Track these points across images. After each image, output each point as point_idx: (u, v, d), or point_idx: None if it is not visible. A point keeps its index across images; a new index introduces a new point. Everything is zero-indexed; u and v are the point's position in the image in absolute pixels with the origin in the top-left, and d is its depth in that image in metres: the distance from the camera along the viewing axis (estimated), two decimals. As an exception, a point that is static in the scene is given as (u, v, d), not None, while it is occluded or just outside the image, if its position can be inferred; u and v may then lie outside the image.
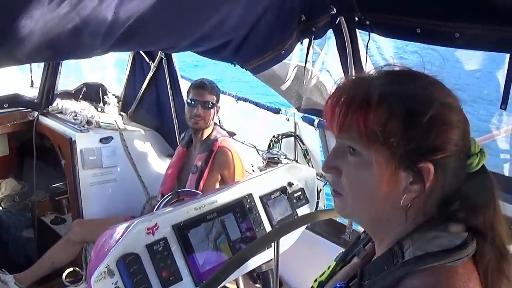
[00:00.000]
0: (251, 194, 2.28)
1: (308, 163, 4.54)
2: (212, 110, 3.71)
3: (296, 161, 4.56)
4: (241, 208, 2.22)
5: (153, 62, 4.57)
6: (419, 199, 1.05)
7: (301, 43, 3.26)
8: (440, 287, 0.98)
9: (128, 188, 4.38)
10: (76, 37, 2.11)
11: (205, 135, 3.76)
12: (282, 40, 3.18)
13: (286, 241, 2.22)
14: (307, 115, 4.20)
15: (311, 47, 3.27)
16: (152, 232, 1.89)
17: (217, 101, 3.75)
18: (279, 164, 3.91)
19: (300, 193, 2.48)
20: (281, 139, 4.66)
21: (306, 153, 4.57)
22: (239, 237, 2.17)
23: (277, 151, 4.40)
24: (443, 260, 0.99)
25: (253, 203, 2.27)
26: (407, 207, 1.05)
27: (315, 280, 1.38)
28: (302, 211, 2.46)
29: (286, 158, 4.22)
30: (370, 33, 2.88)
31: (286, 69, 3.74)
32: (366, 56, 3.06)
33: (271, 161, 4.14)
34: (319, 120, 4.12)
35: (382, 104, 1.02)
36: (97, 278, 1.72)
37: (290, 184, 2.45)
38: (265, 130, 4.86)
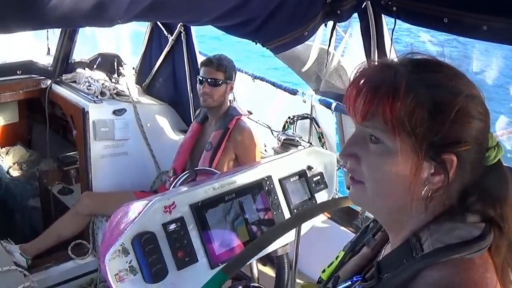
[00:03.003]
0: (270, 176, 2.23)
1: (322, 146, 4.50)
2: (220, 88, 3.62)
3: (311, 143, 4.51)
4: (260, 190, 2.17)
5: (171, 35, 4.48)
6: (441, 190, 1.03)
7: (325, 25, 3.19)
8: (459, 278, 0.97)
9: (139, 162, 4.33)
10: (102, 4, 2.06)
11: (221, 112, 3.69)
12: (306, 21, 3.11)
13: (303, 226, 2.17)
14: (324, 98, 4.13)
15: (335, 30, 3.20)
16: (169, 211, 1.84)
17: (228, 78, 3.65)
18: (299, 147, 3.86)
19: (319, 177, 2.43)
20: (297, 121, 4.61)
21: (321, 136, 4.52)
22: (256, 220, 2.12)
23: (292, 133, 4.35)
24: (463, 252, 0.99)
25: (272, 186, 2.21)
26: (427, 199, 1.04)
27: (323, 271, 1.37)
28: (320, 195, 2.41)
29: (301, 140, 4.17)
30: (396, 19, 2.80)
31: (307, 51, 3.68)
32: (391, 43, 2.99)
33: (287, 143, 4.09)
34: (337, 103, 4.06)
35: (409, 93, 1.00)
36: (112, 256, 1.67)
37: (309, 168, 2.39)
38: (280, 110, 4.80)
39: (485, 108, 1.06)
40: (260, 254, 2.01)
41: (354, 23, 3.18)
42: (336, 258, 1.36)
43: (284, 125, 4.61)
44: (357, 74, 1.08)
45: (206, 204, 1.96)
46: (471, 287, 0.97)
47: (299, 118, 4.59)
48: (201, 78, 3.62)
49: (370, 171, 1.06)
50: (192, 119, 4.33)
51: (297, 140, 4.13)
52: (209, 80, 3.58)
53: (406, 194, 1.04)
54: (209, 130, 3.76)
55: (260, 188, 2.17)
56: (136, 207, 1.85)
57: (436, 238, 1.02)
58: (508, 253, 1.05)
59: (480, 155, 1.05)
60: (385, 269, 1.07)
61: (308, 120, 4.57)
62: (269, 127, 4.72)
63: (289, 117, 4.61)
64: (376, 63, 1.11)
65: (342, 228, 3.67)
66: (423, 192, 1.03)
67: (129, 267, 1.72)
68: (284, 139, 4.10)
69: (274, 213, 2.19)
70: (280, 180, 2.26)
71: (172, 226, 1.83)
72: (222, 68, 3.61)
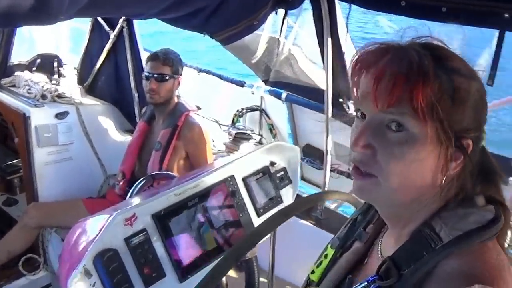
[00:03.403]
0: (233, 175, 2.11)
1: (274, 138, 4.43)
2: (167, 83, 3.46)
3: (262, 136, 4.43)
4: (223, 192, 2.05)
5: (113, 31, 4.31)
6: (457, 176, 1.01)
7: (276, 13, 3.09)
8: (479, 264, 0.95)
9: (84, 166, 4.15)
10: (42, 2, 1.90)
11: (169, 109, 3.54)
12: (255, 9, 3.01)
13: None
14: (274, 88, 4.05)
15: (286, 18, 3.10)
16: (130, 223, 1.69)
17: (175, 72, 3.50)
18: (251, 140, 3.78)
19: (282, 172, 2.33)
20: (246, 113, 4.52)
21: (272, 128, 4.45)
22: (222, 224, 2.00)
23: (243, 126, 4.26)
24: (483, 237, 0.97)
25: (236, 186, 2.10)
26: (445, 187, 1.01)
27: (312, 272, 1.28)
28: (285, 191, 2.32)
29: (254, 133, 4.08)
30: (351, 4, 2.72)
31: (256, 40, 3.57)
32: (347, 29, 2.91)
33: (238, 137, 3.99)
34: (287, 93, 3.98)
35: (437, 77, 0.95)
36: (74, 281, 1.51)
37: (272, 164, 2.29)
38: (228, 104, 4.70)
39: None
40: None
41: (306, 11, 3.08)
42: (325, 257, 1.27)
43: (233, 119, 4.52)
44: (364, 57, 1.01)
45: (169, 212, 1.83)
46: (491, 271, 0.94)
47: (248, 110, 4.51)
48: (147, 74, 3.46)
49: (390, 163, 0.98)
50: (137, 118, 4.19)
51: (249, 134, 4.04)
52: (155, 75, 3.42)
53: (428, 184, 1.00)
54: (156, 128, 3.61)
55: (223, 189, 2.05)
56: (94, 223, 1.69)
57: (452, 226, 0.99)
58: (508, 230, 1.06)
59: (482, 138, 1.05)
60: (404, 264, 1.00)
61: (257, 112, 4.50)
62: (217, 122, 4.62)
63: (237, 110, 4.52)
64: (382, 45, 1.02)
65: (302, 221, 3.60)
66: (443, 180, 1.00)
67: (93, 289, 1.57)
68: (235, 133, 4.00)
69: (240, 215, 2.07)
70: (243, 179, 2.15)
71: (135, 240, 1.69)
72: (169, 63, 3.46)
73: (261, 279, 3.43)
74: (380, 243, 1.18)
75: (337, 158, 4.10)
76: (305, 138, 4.42)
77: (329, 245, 1.29)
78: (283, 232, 2.52)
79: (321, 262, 1.28)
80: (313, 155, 4.28)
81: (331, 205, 3.77)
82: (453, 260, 0.95)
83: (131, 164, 3.66)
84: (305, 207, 1.80)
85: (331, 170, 3.57)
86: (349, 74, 1.04)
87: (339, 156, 4.17)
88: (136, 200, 1.92)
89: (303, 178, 4.62)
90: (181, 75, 3.53)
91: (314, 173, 4.36)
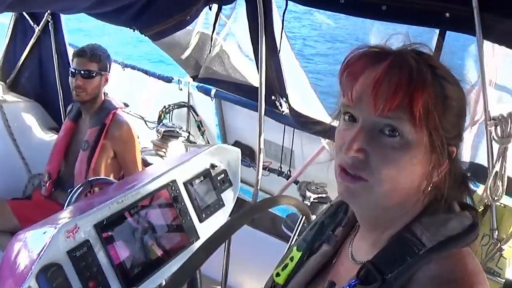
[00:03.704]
0: (174, 180, 2.03)
1: (202, 135, 4.37)
2: (94, 80, 3.36)
3: (189, 133, 4.36)
4: (166, 198, 1.96)
5: (38, 25, 4.15)
6: (439, 182, 1.03)
7: (210, 8, 3.02)
8: (459, 269, 0.98)
9: (8, 166, 4.05)
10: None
11: (96, 106, 3.42)
12: (187, 4, 2.96)
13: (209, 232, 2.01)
14: (203, 84, 3.99)
15: (219, 13, 3.04)
16: (72, 235, 1.58)
17: (103, 69, 3.40)
18: (180, 138, 3.70)
19: (223, 175, 2.27)
20: (173, 110, 4.46)
21: (200, 125, 4.40)
22: (166, 231, 1.92)
23: (172, 124, 4.18)
24: (464, 242, 1.01)
25: (178, 191, 2.02)
26: (427, 191, 1.04)
27: (277, 275, 1.29)
28: (226, 195, 2.27)
29: (182, 130, 4.01)
30: (287, 1, 2.69)
31: (187, 36, 3.51)
32: (282, 27, 2.88)
33: (167, 134, 3.91)
34: (217, 90, 3.94)
35: (433, 83, 0.98)
36: (18, 302, 1.40)
37: (213, 166, 2.23)
38: (154, 100, 4.62)
39: None
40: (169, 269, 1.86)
41: (240, 6, 3.03)
42: (291, 259, 1.28)
43: (160, 115, 4.45)
44: (359, 60, 1.02)
45: (112, 222, 1.73)
46: (470, 276, 0.97)
47: (176, 107, 4.46)
48: (73, 70, 3.34)
49: (383, 167, 0.99)
50: (62, 116, 4.07)
51: (177, 131, 3.96)
52: (82, 72, 3.31)
53: (415, 190, 1.03)
54: (83, 127, 3.50)
55: (165, 195, 1.97)
56: (35, 237, 1.58)
57: (434, 232, 1.01)
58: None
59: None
60: (387, 268, 1.01)
61: (185, 109, 4.43)
62: (143, 118, 4.51)
63: (164, 107, 4.45)
64: (377, 50, 1.04)
65: (248, 226, 3.57)
66: (429, 186, 1.03)
67: (39, 307, 1.46)
68: (163, 131, 3.92)
69: (183, 221, 2.00)
70: (185, 184, 2.08)
71: (78, 253, 1.58)
72: (96, 59, 3.34)
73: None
74: (350, 246, 1.19)
75: (267, 156, 4.09)
76: (234, 135, 4.40)
77: (295, 248, 1.29)
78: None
79: (286, 265, 1.28)
80: (242, 152, 4.24)
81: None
82: (433, 265, 0.97)
83: (58, 164, 3.54)
84: (256, 214, 1.76)
85: (262, 168, 3.55)
86: (341, 77, 1.04)
87: (270, 153, 4.17)
88: (76, 210, 1.82)
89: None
90: (109, 72, 3.42)
91: (244, 170, 4.33)
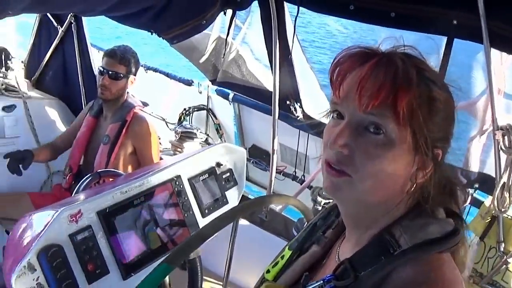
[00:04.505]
0: (179, 175, 2.11)
1: (220, 138, 4.45)
2: (120, 82, 3.44)
3: (208, 135, 4.44)
4: (169, 192, 2.04)
5: (61, 27, 4.28)
6: (423, 185, 1.03)
7: (225, 13, 3.10)
8: (434, 275, 0.96)
9: (29, 161, 4.10)
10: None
11: (118, 105, 3.51)
12: (204, 9, 3.03)
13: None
14: (221, 88, 4.07)
15: (234, 18, 3.12)
16: (75, 220, 1.68)
17: (130, 72, 3.47)
18: (195, 140, 3.77)
19: (228, 174, 2.34)
20: (192, 112, 4.54)
21: (218, 128, 4.47)
22: (167, 223, 2.00)
23: (190, 125, 4.26)
24: (441, 248, 0.99)
25: (182, 186, 2.10)
26: (412, 193, 1.04)
27: (267, 271, 1.29)
28: (231, 193, 2.33)
29: (200, 132, 4.09)
30: (299, 6, 2.75)
31: (205, 40, 3.59)
32: (294, 31, 2.94)
33: (184, 135, 4.00)
34: (234, 94, 4.01)
35: (418, 85, 0.98)
36: (18, 274, 1.50)
37: (218, 165, 2.29)
38: (175, 102, 4.70)
39: None
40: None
41: (255, 12, 3.10)
42: (282, 257, 1.29)
43: (180, 117, 4.53)
44: (348, 58, 1.03)
45: (114, 210, 1.82)
46: (446, 284, 0.96)
47: (195, 109, 4.53)
48: (101, 69, 3.42)
49: (366, 164, 1.00)
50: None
51: (194, 133, 4.04)
52: (110, 72, 3.39)
53: (397, 190, 1.03)
54: (104, 123, 3.59)
55: (169, 189, 2.05)
56: (40, 218, 1.68)
57: (412, 234, 1.00)
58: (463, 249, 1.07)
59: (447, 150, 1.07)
60: (361, 266, 1.01)
61: (204, 112, 4.51)
62: (164, 120, 4.60)
63: (184, 109, 4.53)
64: (366, 50, 1.04)
65: (246, 223, 3.63)
66: (412, 187, 1.03)
67: (36, 284, 1.55)
68: (181, 132, 4.00)
69: (185, 215, 2.07)
70: (189, 180, 2.15)
71: (80, 237, 1.67)
72: (125, 62, 3.43)
73: (209, 280, 3.47)
74: (338, 248, 1.19)
75: (282, 160, 4.14)
76: (251, 139, 4.45)
77: (287, 247, 1.31)
78: (226, 233, 2.55)
79: (277, 262, 1.29)
80: (259, 156, 4.33)
81: (276, 207, 3.81)
82: (409, 268, 0.96)
83: (78, 158, 3.63)
84: (252, 210, 1.83)
85: (277, 172, 3.60)
86: (331, 75, 1.05)
87: (285, 158, 4.22)
88: (81, 197, 1.91)
89: (248, 179, 4.65)
90: (135, 75, 3.52)
91: (260, 174, 4.40)
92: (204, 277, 2.08)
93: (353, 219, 1.13)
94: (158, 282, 1.42)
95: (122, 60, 3.41)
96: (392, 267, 0.97)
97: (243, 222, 3.60)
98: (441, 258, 0.99)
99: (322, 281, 1.07)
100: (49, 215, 1.64)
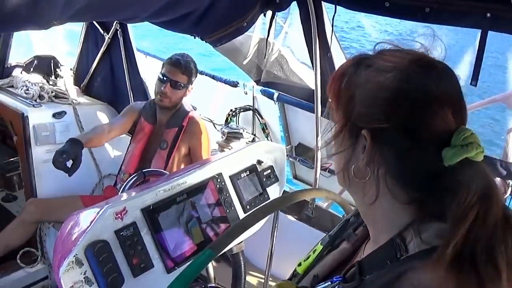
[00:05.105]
0: (221, 173, 2.17)
1: (267, 138, 4.50)
2: (180, 91, 3.55)
3: (255, 135, 4.50)
4: (211, 189, 2.11)
5: (108, 34, 4.41)
6: (362, 169, 1.03)
7: (264, 15, 3.17)
8: (445, 280, 0.89)
9: (81, 165, 4.22)
10: (34, 7, 1.96)
11: (173, 111, 3.63)
12: (244, 11, 3.09)
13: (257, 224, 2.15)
14: (266, 88, 4.13)
15: (274, 19, 3.18)
16: (120, 217, 1.77)
17: (190, 82, 3.58)
18: (242, 140, 3.83)
19: (269, 171, 2.39)
20: (239, 113, 4.60)
21: (264, 127, 4.52)
22: (210, 219, 2.07)
23: (236, 126, 4.33)
24: None
25: (223, 183, 2.17)
26: (358, 178, 1.04)
27: (299, 264, 1.32)
28: (272, 189, 2.38)
29: (246, 132, 4.15)
30: (337, 5, 2.79)
31: (247, 42, 3.66)
32: (332, 30, 2.98)
33: (231, 136, 4.07)
34: (279, 93, 4.06)
35: (343, 76, 1.06)
36: (66, 268, 1.59)
37: (259, 162, 2.35)
38: (222, 103, 4.78)
39: (413, 85, 0.99)
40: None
41: (294, 12, 3.15)
42: (313, 252, 1.31)
43: (227, 118, 4.60)
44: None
45: (158, 207, 1.90)
46: None
47: (242, 110, 4.59)
48: (163, 77, 3.52)
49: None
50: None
51: (241, 133, 4.11)
52: (172, 81, 3.49)
53: (347, 175, 1.06)
54: (160, 128, 3.69)
55: (211, 186, 2.12)
56: (86, 216, 1.77)
57: (422, 239, 0.96)
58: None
59: (428, 147, 0.97)
60: (368, 270, 1.01)
61: (251, 112, 4.57)
62: (212, 121, 4.69)
63: (231, 110, 4.60)
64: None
65: (291, 218, 3.68)
66: (352, 170, 1.04)
67: (84, 278, 1.64)
68: (228, 133, 4.08)
69: (227, 210, 2.14)
70: (231, 177, 2.22)
71: (125, 233, 1.76)
72: (188, 72, 3.53)
73: (253, 274, 3.54)
74: (364, 247, 1.19)
75: (327, 157, 4.17)
76: (297, 137, 4.49)
77: (320, 242, 1.32)
78: (270, 228, 2.62)
79: (308, 256, 1.31)
80: (305, 154, 4.36)
81: (322, 204, 3.85)
82: (422, 274, 0.90)
83: (136, 163, 3.71)
84: (292, 202, 1.87)
85: (322, 169, 3.64)
86: None
87: (329, 155, 4.24)
88: (126, 195, 2.00)
89: (296, 177, 4.71)
90: (192, 84, 3.62)
91: (306, 172, 4.44)
92: (248, 271, 2.14)
93: (364, 220, 1.15)
94: (203, 267, 1.50)
95: (186, 71, 3.51)
96: (398, 271, 0.93)
97: (289, 218, 3.67)
98: None
99: (330, 282, 1.10)
100: (95, 213, 1.74)
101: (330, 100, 1.08)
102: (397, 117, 0.97)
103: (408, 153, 0.98)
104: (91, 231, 1.67)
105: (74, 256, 1.62)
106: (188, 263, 1.91)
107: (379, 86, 0.99)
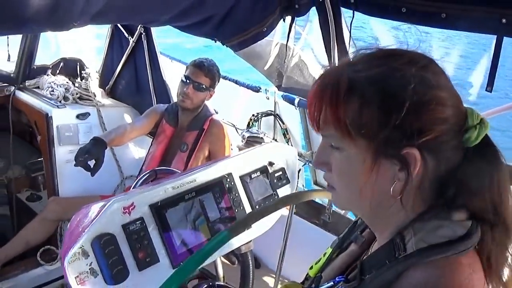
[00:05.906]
0: (231, 173, 2.21)
1: (287, 143, 4.52)
2: (203, 94, 3.62)
3: (276, 140, 4.53)
4: (220, 188, 2.15)
5: (132, 37, 4.49)
6: (411, 186, 0.99)
7: (284, 20, 3.20)
8: (445, 280, 0.93)
9: (104, 166, 4.29)
10: (55, 8, 2.02)
11: (195, 114, 3.69)
12: (264, 16, 3.12)
13: (264, 223, 2.18)
14: (287, 93, 4.16)
15: (293, 24, 3.21)
16: (128, 212, 1.82)
17: (212, 85, 3.66)
18: (262, 143, 3.87)
19: (280, 172, 2.42)
20: (261, 118, 4.63)
21: (285, 133, 4.55)
22: (218, 218, 2.10)
23: (257, 130, 4.36)
24: (447, 253, 0.94)
25: (233, 183, 2.20)
26: (400, 196, 1.00)
27: (311, 268, 1.34)
28: (283, 191, 2.40)
29: (266, 137, 4.18)
30: (354, 11, 2.81)
31: (268, 47, 3.69)
32: (350, 36, 3.00)
33: (251, 140, 4.10)
34: (300, 99, 4.08)
35: (353, 93, 0.97)
36: (71, 259, 1.64)
37: (271, 164, 2.38)
38: (244, 108, 4.81)
39: (448, 90, 1.00)
40: (223, 251, 2.02)
41: (314, 17, 3.18)
42: (324, 255, 1.33)
43: (249, 123, 4.63)
44: (315, 83, 1.06)
45: (166, 204, 1.94)
46: None
47: (263, 115, 4.61)
48: (186, 79, 3.59)
49: (337, 177, 1.06)
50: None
51: (261, 137, 4.14)
52: (195, 83, 3.56)
53: (374, 195, 1.02)
54: (181, 131, 3.74)
55: (220, 186, 2.15)
56: (94, 209, 1.82)
57: (420, 238, 0.97)
58: (497, 250, 1.01)
59: (457, 138, 0.99)
60: (368, 269, 1.03)
61: (272, 117, 4.59)
62: (234, 126, 4.73)
63: (253, 115, 4.63)
64: (329, 67, 1.09)
65: (308, 223, 3.69)
66: (391, 190, 0.99)
67: (89, 269, 1.69)
68: (248, 137, 4.11)
69: (236, 210, 2.17)
70: (241, 177, 2.24)
71: (132, 227, 1.81)
72: (211, 75, 3.61)
73: (265, 276, 3.56)
74: (371, 247, 1.20)
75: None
76: (318, 142, 4.46)
77: (331, 245, 1.34)
78: (290, 233, 2.65)
79: (319, 259, 1.33)
80: (325, 160, 4.36)
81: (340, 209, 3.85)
82: (420, 273, 0.94)
83: (156, 165, 3.73)
84: (310, 198, 1.91)
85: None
86: None
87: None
88: (136, 191, 2.05)
89: (316, 183, 4.71)
90: (214, 89, 3.69)
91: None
92: (260, 272, 2.16)
93: (369, 225, 1.17)
94: (219, 247, 1.56)
95: (209, 73, 3.59)
96: (396, 271, 0.96)
97: (306, 223, 3.67)
98: (456, 262, 0.95)
99: (333, 282, 1.13)
100: (103, 206, 1.80)
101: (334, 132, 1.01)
102: (439, 121, 0.98)
103: (453, 149, 1.00)
104: (98, 224, 1.72)
105: (80, 247, 1.67)
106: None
107: (415, 99, 0.95)
